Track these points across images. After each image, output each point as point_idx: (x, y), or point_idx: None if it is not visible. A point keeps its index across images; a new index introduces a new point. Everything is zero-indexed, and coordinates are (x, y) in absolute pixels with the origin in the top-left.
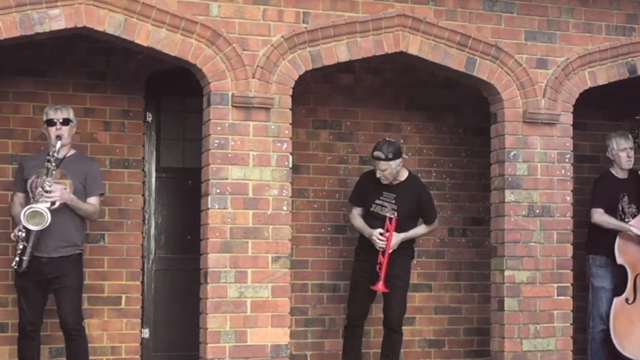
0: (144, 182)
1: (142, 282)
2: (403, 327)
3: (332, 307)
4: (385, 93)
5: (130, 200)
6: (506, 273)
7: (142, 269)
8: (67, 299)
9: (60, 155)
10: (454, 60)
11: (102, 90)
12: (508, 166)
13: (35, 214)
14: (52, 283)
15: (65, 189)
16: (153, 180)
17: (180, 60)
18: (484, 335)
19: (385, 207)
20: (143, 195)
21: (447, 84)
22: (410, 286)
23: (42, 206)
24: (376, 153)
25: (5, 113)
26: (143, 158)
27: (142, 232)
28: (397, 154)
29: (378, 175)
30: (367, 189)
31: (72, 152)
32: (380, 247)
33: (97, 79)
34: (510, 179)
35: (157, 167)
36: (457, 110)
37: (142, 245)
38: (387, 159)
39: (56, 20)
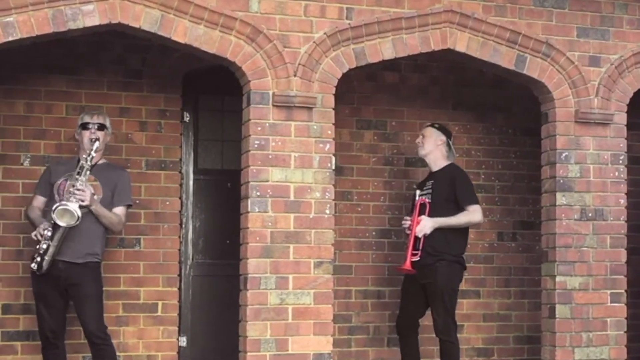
0: (181, 185)
1: (180, 289)
2: None
3: (377, 315)
4: (431, 92)
5: (167, 203)
6: (557, 279)
7: (180, 275)
8: (87, 307)
9: (91, 163)
10: (503, 57)
11: (138, 89)
12: (559, 168)
13: (65, 212)
14: (70, 290)
15: (94, 194)
16: (191, 182)
17: (219, 57)
18: (535, 344)
19: (417, 195)
20: (180, 198)
21: (496, 83)
22: (458, 293)
23: (73, 205)
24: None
25: (38, 113)
26: (180, 159)
27: (180, 237)
28: (443, 129)
29: (417, 140)
30: (416, 192)
31: (103, 160)
32: (406, 229)
33: (133, 78)
34: (561, 181)
35: (195, 169)
36: (506, 110)
37: (180, 250)
38: (432, 126)
39: (90, 16)
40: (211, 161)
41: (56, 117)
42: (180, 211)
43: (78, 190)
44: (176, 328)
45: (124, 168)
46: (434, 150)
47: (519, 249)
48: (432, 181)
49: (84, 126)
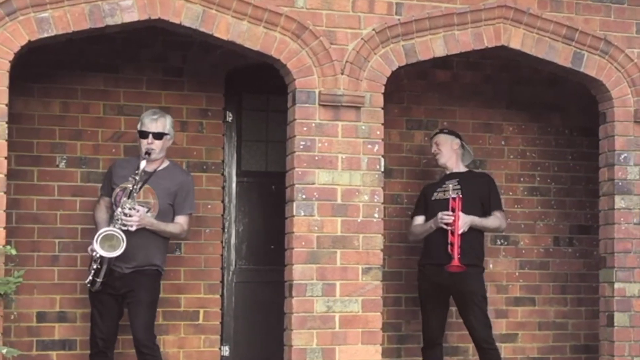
0: (223, 187)
1: (222, 296)
2: (505, 345)
3: None
4: (484, 90)
5: (209, 206)
6: (616, 286)
7: (222, 281)
8: (139, 313)
9: (150, 169)
10: (560, 55)
11: (179, 87)
12: (618, 170)
13: (111, 237)
14: (126, 297)
15: (148, 211)
16: (233, 185)
17: (263, 55)
18: (592, 353)
19: (448, 190)
20: (223, 201)
21: (551, 81)
22: (512, 300)
23: (118, 230)
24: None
25: (74, 112)
26: (223, 161)
27: (222, 242)
28: (453, 132)
29: (433, 151)
30: (428, 191)
31: (166, 164)
32: (448, 225)
33: (173, 76)
34: (620, 183)
35: (238, 171)
36: (562, 109)
37: (222, 255)
38: (442, 132)
39: (128, 11)
40: (255, 163)
41: (93, 117)
42: (222, 215)
43: (125, 215)
44: (218, 337)
45: (187, 173)
46: (452, 155)
47: (576, 255)
48: (457, 179)
49: (142, 134)
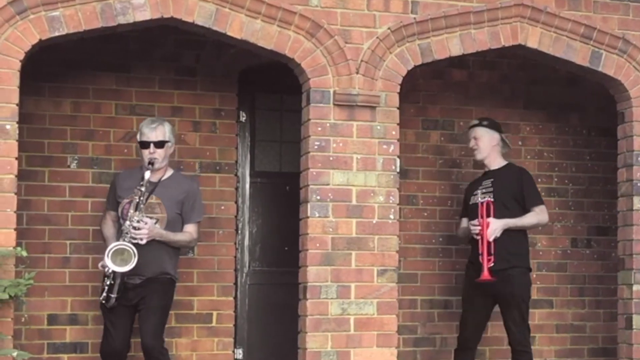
0: (237, 188)
1: (235, 298)
2: None
3: (444, 325)
4: (501, 90)
5: (222, 207)
6: (635, 288)
7: (235, 284)
8: (148, 318)
9: (155, 179)
10: (577, 54)
11: (191, 87)
12: (637, 170)
13: (122, 251)
14: (139, 305)
15: (157, 222)
16: (247, 185)
17: (277, 54)
18: (610, 356)
19: (478, 194)
20: (236, 202)
21: (569, 81)
22: (529, 302)
23: (129, 244)
24: (471, 122)
25: (85, 112)
26: (236, 161)
27: (235, 243)
28: (494, 125)
29: (471, 145)
30: (468, 193)
31: (169, 173)
32: (475, 235)
33: (186, 75)
34: (639, 184)
35: (252, 172)
36: (580, 109)
37: (235, 257)
38: (481, 125)
39: (141, 10)
40: (269, 163)
41: (105, 117)
42: (236, 216)
43: (134, 228)
44: (232, 339)
45: (193, 180)
46: (491, 151)
47: (594, 256)
48: (492, 180)
49: (143, 144)
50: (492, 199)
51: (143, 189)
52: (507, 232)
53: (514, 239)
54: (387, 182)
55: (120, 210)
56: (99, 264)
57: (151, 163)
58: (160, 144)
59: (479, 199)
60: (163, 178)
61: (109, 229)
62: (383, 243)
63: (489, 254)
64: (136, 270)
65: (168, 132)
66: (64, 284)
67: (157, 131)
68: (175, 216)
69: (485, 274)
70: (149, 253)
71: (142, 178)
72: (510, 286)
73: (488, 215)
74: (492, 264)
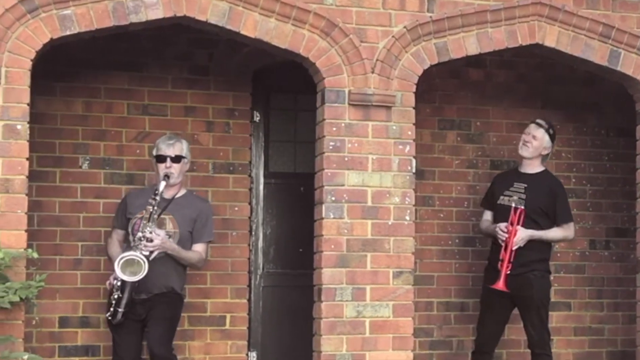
0: (250, 189)
1: (249, 300)
2: None
3: (460, 328)
4: (519, 90)
5: (236, 209)
6: None
7: (249, 286)
8: (154, 327)
9: (169, 196)
10: (596, 53)
11: (205, 86)
12: None
13: (132, 262)
14: (146, 319)
15: (169, 236)
16: (261, 186)
17: (291, 53)
18: (629, 359)
19: (513, 197)
20: (250, 203)
21: (587, 80)
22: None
23: (139, 254)
24: (538, 120)
25: (97, 112)
26: (250, 162)
27: (249, 245)
28: (554, 135)
29: (524, 139)
30: (497, 186)
31: (183, 192)
32: (501, 241)
33: (199, 74)
34: None
35: (266, 172)
36: (598, 109)
37: (249, 259)
38: (544, 128)
39: (153, 8)
40: (283, 164)
41: (117, 117)
42: (249, 217)
43: (146, 239)
44: (245, 343)
45: (205, 200)
46: (538, 155)
47: (613, 258)
48: (525, 185)
49: (159, 158)
50: (523, 207)
51: (158, 198)
52: (531, 241)
53: (537, 244)
54: (402, 183)
55: (131, 226)
56: (107, 283)
57: (167, 176)
58: (177, 159)
59: (513, 203)
60: (177, 196)
61: (115, 248)
62: (399, 245)
63: (509, 261)
64: (143, 286)
65: (185, 149)
66: (76, 286)
67: (174, 147)
68: (186, 234)
69: (500, 284)
70: (157, 269)
71: (156, 190)
72: (530, 289)
73: (518, 223)
74: (509, 271)
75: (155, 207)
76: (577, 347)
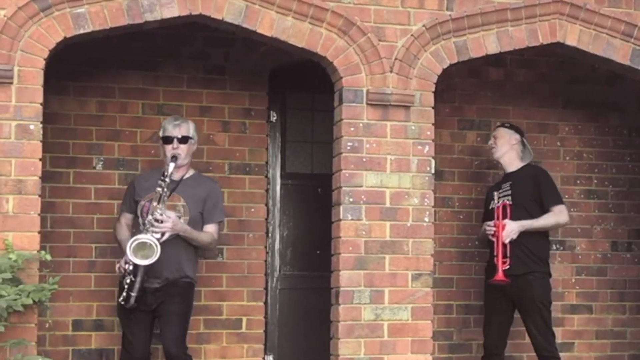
0: (267, 190)
1: (266, 303)
2: (561, 354)
3: (480, 331)
4: (539, 89)
5: (252, 210)
6: None
7: (266, 288)
8: (169, 326)
9: (177, 177)
10: (618, 52)
11: (221, 86)
12: None
13: (144, 245)
14: (157, 310)
15: (180, 217)
16: (278, 187)
17: (309, 52)
18: None
19: (495, 198)
20: (266, 204)
21: (609, 79)
22: (568, 308)
23: (151, 237)
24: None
25: (111, 112)
26: (266, 163)
27: (266, 247)
28: (515, 127)
29: (489, 144)
30: (489, 197)
31: (191, 173)
32: (490, 237)
33: (215, 74)
34: None
35: (282, 173)
36: (621, 109)
37: (266, 261)
38: (501, 126)
39: (168, 7)
40: (300, 164)
41: (131, 117)
42: (266, 219)
43: (157, 221)
44: (262, 346)
45: (214, 181)
46: (509, 151)
47: (635, 260)
48: (510, 182)
49: (166, 139)
50: (509, 202)
51: (168, 180)
52: (527, 235)
53: (534, 242)
54: (421, 184)
55: (139, 209)
56: (117, 266)
57: (175, 157)
58: (184, 140)
59: (496, 202)
60: (185, 177)
61: (124, 232)
62: (417, 246)
63: (504, 256)
64: (155, 272)
65: (192, 130)
66: (90, 288)
67: (180, 127)
68: (197, 215)
69: (499, 275)
70: (169, 253)
71: (164, 172)
72: (530, 291)
73: (504, 218)
74: (507, 267)
75: (165, 189)
76: (598, 350)
